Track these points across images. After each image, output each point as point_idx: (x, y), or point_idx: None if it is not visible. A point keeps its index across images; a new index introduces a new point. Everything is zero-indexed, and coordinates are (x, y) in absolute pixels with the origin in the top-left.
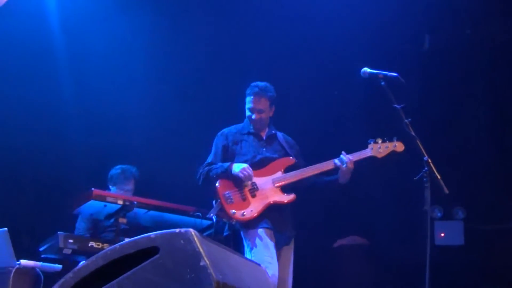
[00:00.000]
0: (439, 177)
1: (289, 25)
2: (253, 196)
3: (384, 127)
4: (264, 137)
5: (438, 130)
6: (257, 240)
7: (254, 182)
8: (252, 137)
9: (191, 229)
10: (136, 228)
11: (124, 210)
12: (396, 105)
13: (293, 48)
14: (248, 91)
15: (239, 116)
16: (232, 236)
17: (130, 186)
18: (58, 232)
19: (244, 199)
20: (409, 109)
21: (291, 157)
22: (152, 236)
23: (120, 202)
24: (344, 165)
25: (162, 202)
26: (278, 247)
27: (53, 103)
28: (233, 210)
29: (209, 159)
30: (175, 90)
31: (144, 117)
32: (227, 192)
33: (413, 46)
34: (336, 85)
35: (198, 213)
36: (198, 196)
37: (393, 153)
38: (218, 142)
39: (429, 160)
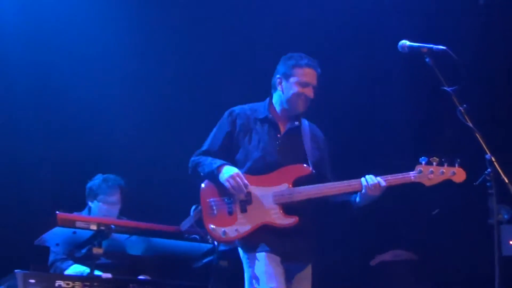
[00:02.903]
0: (507, 180)
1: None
2: (243, 211)
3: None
4: (284, 131)
5: (504, 117)
6: (258, 267)
7: (250, 193)
8: (268, 127)
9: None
10: (121, 258)
11: (99, 237)
12: (446, 88)
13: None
14: (303, 62)
15: None
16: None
17: (116, 197)
18: (16, 270)
19: (231, 213)
20: (465, 92)
21: (305, 165)
22: None
23: (94, 227)
24: (365, 190)
25: (148, 223)
26: (289, 277)
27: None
28: (212, 225)
29: (205, 146)
30: (159, 89)
31: (123, 120)
32: (212, 199)
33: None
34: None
35: (195, 236)
36: None
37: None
38: (222, 125)
39: (494, 159)
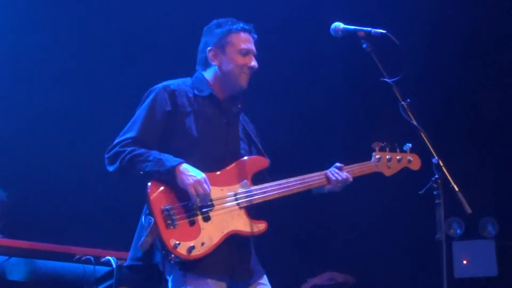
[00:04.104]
0: (457, 188)
1: None
2: (206, 219)
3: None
4: (231, 114)
5: (453, 114)
6: None
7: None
8: (213, 109)
9: None
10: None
11: None
12: (386, 79)
13: None
14: (238, 26)
15: None
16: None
17: None
18: None
19: (193, 223)
20: (408, 84)
21: (262, 157)
22: None
23: None
24: (332, 185)
25: (32, 242)
26: None
27: None
28: (176, 241)
29: (132, 131)
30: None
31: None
32: (166, 206)
33: None
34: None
35: (88, 257)
36: (91, 226)
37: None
38: (156, 104)
39: (442, 163)
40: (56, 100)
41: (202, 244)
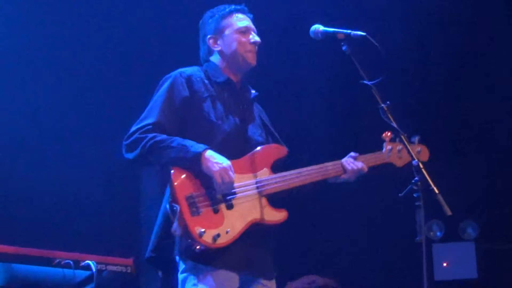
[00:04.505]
0: (437, 191)
1: None
2: (229, 207)
3: None
4: (246, 100)
5: (433, 116)
6: None
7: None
8: (230, 94)
9: None
10: None
11: None
12: (366, 81)
13: None
14: (229, 9)
15: None
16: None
17: None
18: None
19: (216, 211)
20: (388, 85)
21: (281, 145)
22: None
23: None
24: (348, 174)
25: (9, 246)
26: None
27: None
28: (201, 229)
29: (152, 118)
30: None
31: None
32: (191, 193)
33: None
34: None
35: (67, 261)
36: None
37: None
38: (173, 90)
39: (422, 166)
40: (27, 102)
41: (227, 232)
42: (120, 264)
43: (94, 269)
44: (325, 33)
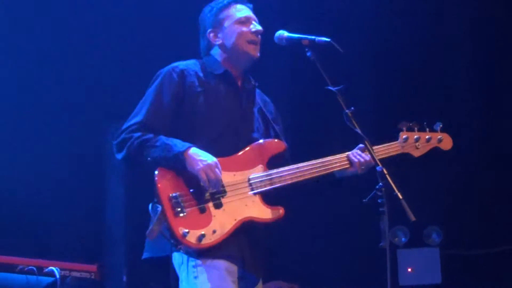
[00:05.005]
0: (401, 196)
1: None
2: (217, 206)
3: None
4: (245, 93)
5: (398, 119)
6: (211, 280)
7: (222, 181)
8: (227, 87)
9: None
10: None
11: None
12: (330, 87)
13: None
14: (227, 1)
15: None
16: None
17: None
18: None
19: (203, 210)
20: (353, 91)
21: (278, 140)
22: None
23: None
24: (354, 168)
25: None
26: None
27: None
28: (184, 230)
29: (139, 117)
30: None
31: None
32: (175, 193)
33: None
34: None
35: (31, 267)
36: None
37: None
38: (164, 85)
39: (386, 171)
40: None
41: (214, 232)
42: (83, 271)
43: (57, 275)
44: (289, 39)
